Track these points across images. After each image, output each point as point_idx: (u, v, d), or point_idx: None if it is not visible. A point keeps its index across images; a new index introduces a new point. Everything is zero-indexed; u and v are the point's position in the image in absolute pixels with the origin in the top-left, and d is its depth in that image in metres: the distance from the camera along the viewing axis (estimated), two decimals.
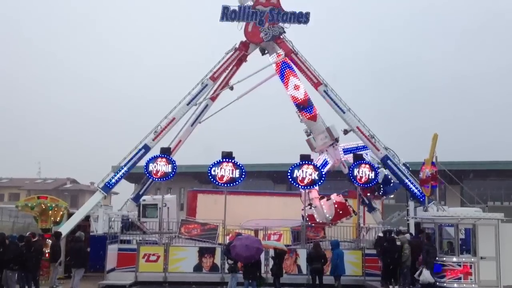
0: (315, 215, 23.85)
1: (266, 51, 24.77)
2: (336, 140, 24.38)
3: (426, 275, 16.75)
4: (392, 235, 19.02)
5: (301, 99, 24.19)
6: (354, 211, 23.71)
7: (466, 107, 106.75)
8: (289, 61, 24.14)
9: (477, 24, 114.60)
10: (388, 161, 22.84)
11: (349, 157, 24.21)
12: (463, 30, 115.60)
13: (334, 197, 24.32)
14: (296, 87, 24.19)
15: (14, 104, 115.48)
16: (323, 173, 21.89)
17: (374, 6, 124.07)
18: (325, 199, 24.47)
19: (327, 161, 24.53)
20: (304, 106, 24.21)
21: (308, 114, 24.27)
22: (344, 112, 23.29)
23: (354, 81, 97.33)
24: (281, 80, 24.56)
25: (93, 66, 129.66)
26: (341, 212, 23.60)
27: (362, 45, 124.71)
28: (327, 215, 23.69)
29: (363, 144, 23.77)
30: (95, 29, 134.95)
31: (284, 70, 24.38)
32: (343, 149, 24.88)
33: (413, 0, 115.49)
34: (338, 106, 23.32)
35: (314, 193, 24.46)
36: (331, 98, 23.33)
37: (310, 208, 23.67)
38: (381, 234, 19.53)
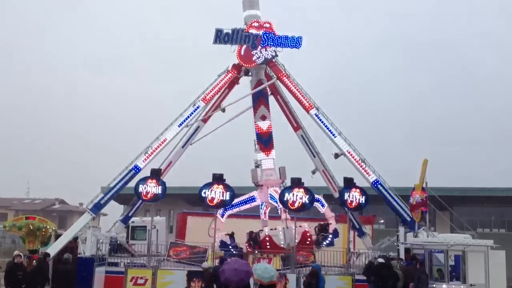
0: (281, 237, 23.42)
1: (249, 73, 25.11)
2: (282, 182, 24.38)
3: None
4: (392, 261, 18.44)
5: (263, 130, 24.62)
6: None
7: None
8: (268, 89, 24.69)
9: None
10: (379, 186, 22.88)
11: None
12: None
13: (306, 225, 24.09)
14: (263, 117, 24.68)
15: (2, 123, 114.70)
16: (314, 197, 21.68)
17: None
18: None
19: (254, 198, 24.76)
20: (264, 138, 24.60)
21: (263, 146, 24.55)
22: (335, 136, 23.39)
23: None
24: (253, 105, 24.90)
25: (84, 87, 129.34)
26: (308, 242, 23.34)
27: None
28: (296, 241, 22.80)
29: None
30: (89, 41, 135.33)
31: (258, 97, 24.75)
32: (270, 195, 24.42)
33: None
34: (329, 130, 23.46)
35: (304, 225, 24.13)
36: (322, 121, 23.49)
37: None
38: (382, 260, 18.38)
